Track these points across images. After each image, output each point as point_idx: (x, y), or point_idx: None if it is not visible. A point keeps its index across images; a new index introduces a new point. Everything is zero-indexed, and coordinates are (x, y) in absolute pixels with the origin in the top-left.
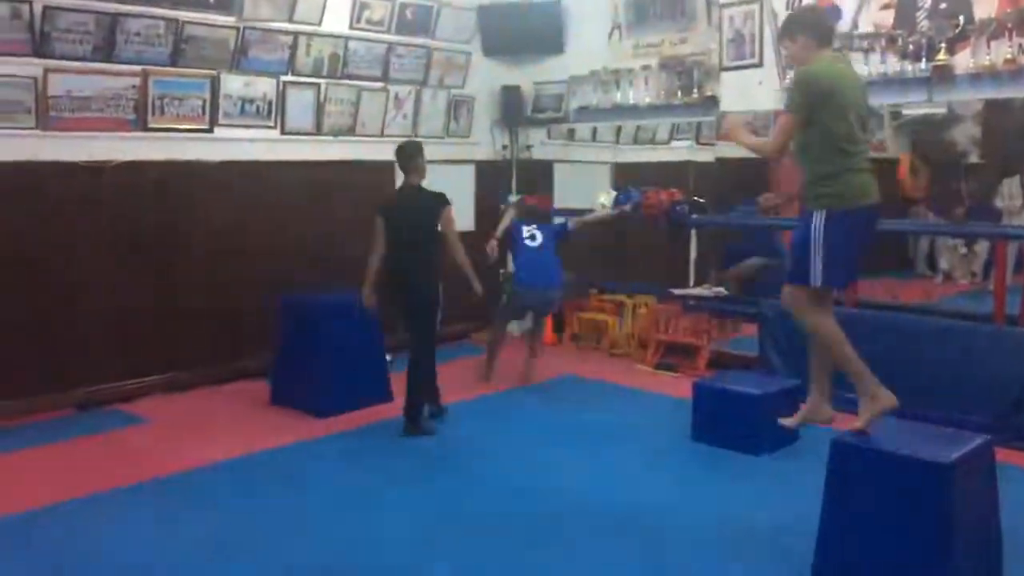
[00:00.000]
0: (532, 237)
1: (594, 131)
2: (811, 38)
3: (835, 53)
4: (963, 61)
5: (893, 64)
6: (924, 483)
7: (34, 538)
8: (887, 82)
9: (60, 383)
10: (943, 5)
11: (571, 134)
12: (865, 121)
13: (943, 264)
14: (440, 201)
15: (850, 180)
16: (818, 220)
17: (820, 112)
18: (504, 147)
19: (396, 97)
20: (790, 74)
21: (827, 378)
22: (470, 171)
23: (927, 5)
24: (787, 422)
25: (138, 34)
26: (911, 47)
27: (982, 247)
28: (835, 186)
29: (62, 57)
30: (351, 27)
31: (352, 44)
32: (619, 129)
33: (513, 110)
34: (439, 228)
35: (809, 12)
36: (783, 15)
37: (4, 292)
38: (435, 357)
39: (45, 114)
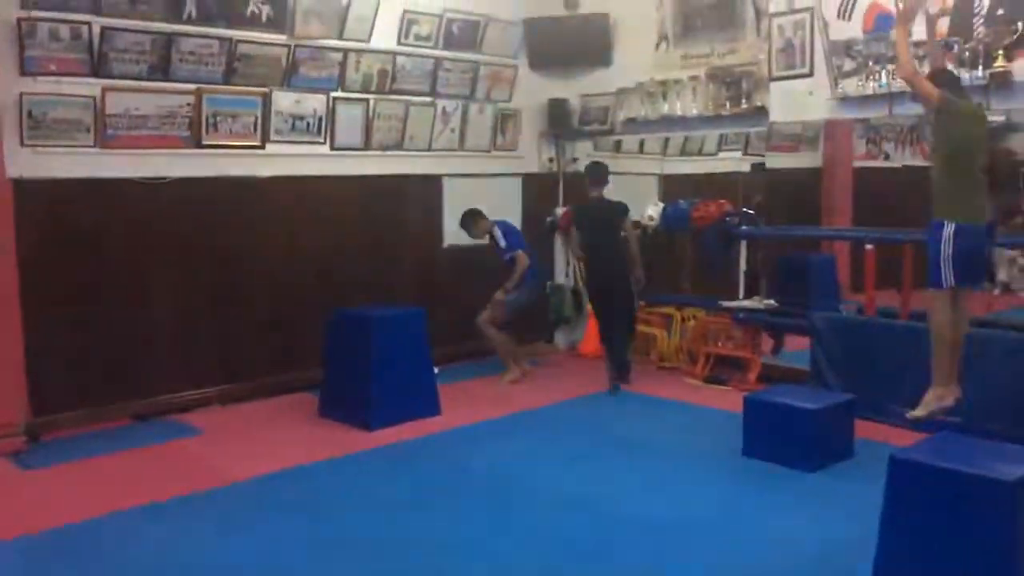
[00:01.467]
0: None
1: (641, 143)
2: None
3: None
4: (1022, 68)
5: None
6: (986, 501)
7: (94, 546)
8: None
9: (120, 394)
10: (1000, 11)
11: (618, 146)
12: None
13: (1001, 276)
14: (623, 210)
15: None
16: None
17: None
18: (551, 160)
19: (443, 111)
20: (842, 84)
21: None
22: (517, 184)
23: (984, 11)
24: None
25: (192, 53)
26: (968, 54)
27: None
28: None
29: (119, 76)
30: (399, 43)
31: (400, 60)
32: (666, 141)
33: (560, 123)
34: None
35: None
36: (834, 23)
37: (66, 305)
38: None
39: (103, 132)
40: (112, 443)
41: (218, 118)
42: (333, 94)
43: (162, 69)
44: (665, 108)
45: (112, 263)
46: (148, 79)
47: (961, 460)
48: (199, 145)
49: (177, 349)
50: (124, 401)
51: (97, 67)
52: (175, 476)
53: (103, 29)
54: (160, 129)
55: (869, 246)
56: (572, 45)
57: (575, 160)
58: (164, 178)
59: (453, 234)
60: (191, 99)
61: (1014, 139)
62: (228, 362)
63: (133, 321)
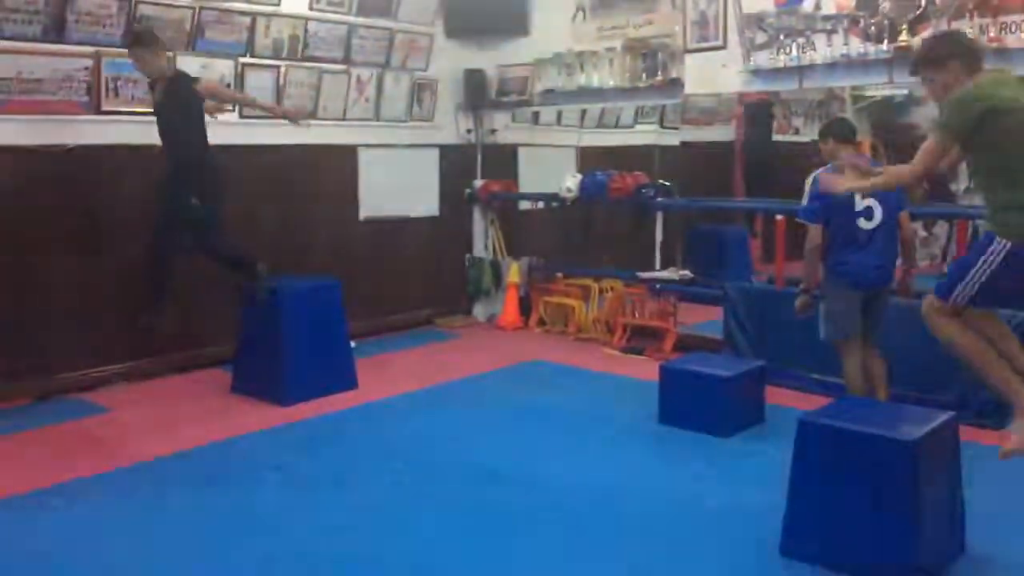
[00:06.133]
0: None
1: (559, 115)
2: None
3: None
4: None
5: (855, 45)
6: (890, 460)
7: None
8: (849, 64)
9: (19, 372)
10: None
11: (535, 118)
12: None
13: None
14: None
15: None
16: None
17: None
18: (468, 131)
19: (358, 80)
20: (754, 56)
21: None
22: (434, 155)
23: None
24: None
25: (89, 14)
26: (873, 28)
27: (941, 229)
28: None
29: (11, 38)
30: (311, 8)
31: (312, 25)
32: (584, 112)
33: (477, 93)
34: None
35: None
36: None
37: None
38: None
39: None
40: (10, 423)
41: (119, 83)
42: (242, 60)
43: (57, 30)
44: (582, 79)
45: (8, 235)
46: (42, 41)
47: (865, 422)
48: (98, 111)
49: (80, 325)
50: (24, 380)
51: None
52: (76, 457)
53: None
54: (57, 94)
55: (779, 216)
56: (489, 13)
57: (493, 131)
58: (62, 146)
59: (370, 206)
60: (89, 63)
61: (916, 113)
62: (135, 338)
63: (32, 297)
